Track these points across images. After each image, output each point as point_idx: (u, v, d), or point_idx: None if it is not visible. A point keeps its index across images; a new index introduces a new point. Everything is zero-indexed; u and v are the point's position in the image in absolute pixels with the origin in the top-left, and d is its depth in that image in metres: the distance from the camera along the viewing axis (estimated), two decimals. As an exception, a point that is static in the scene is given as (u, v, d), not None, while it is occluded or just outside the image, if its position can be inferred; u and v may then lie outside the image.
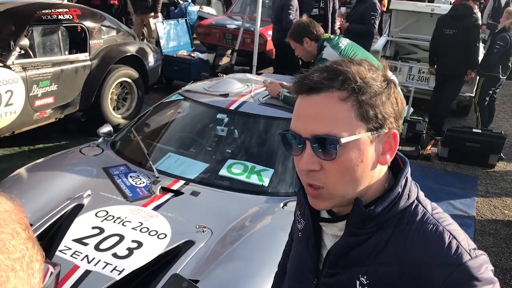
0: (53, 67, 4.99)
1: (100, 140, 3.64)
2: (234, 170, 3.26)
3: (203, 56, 7.54)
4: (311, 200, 1.02)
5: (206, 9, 11.21)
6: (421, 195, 1.05)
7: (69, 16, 5.19)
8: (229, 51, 7.48)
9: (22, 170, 3.25)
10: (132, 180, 3.15)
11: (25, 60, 4.74)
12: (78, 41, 5.39)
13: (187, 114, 3.85)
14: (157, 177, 3.15)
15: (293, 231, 1.36)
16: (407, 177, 1.03)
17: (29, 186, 3.06)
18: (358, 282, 1.01)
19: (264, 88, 3.86)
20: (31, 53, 4.82)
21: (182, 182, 3.14)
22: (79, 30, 5.40)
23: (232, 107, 3.58)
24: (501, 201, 5.07)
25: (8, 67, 4.55)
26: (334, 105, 0.93)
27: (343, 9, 7.18)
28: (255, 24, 6.98)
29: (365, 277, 1.00)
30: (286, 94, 3.61)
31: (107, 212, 2.80)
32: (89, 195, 2.94)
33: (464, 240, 0.97)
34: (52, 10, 5.06)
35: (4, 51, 4.65)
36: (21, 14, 4.95)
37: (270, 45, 8.20)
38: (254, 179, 3.19)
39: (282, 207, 2.96)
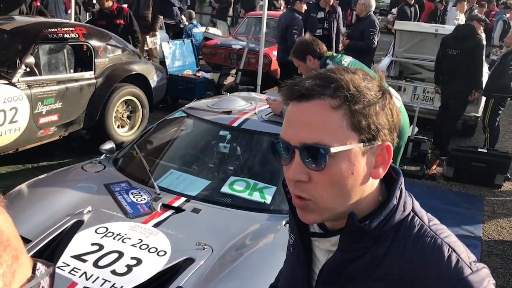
0: (58, 85, 5.02)
1: (102, 157, 3.63)
2: (236, 187, 3.23)
3: (208, 75, 7.59)
4: (299, 213, 0.98)
5: (212, 30, 11.32)
6: (417, 205, 1.01)
7: (75, 35, 5.24)
8: (233, 71, 7.52)
9: (23, 186, 3.24)
10: (133, 197, 3.13)
11: (30, 78, 4.77)
12: (83, 59, 5.44)
13: (190, 131, 3.85)
14: (159, 194, 3.13)
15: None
16: (401, 188, 0.99)
17: (29, 202, 3.05)
18: None
19: (268, 105, 3.85)
20: (36, 71, 4.86)
21: (183, 199, 3.12)
22: (84, 49, 5.45)
23: (235, 124, 3.57)
24: (508, 222, 4.99)
25: (13, 84, 4.58)
26: (325, 113, 0.89)
27: (343, 29, 7.25)
28: (259, 44, 7.02)
29: None
30: (289, 111, 3.59)
31: (107, 229, 2.77)
32: (90, 211, 2.92)
33: (464, 253, 0.93)
34: (58, 29, 5.11)
35: (10, 69, 4.68)
36: (28, 33, 5.01)
37: (275, 65, 8.24)
38: (256, 197, 3.16)
39: (284, 225, 2.92)
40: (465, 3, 11.63)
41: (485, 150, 5.80)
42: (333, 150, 0.88)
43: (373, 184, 0.97)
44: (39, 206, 2.97)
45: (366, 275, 0.95)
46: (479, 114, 6.86)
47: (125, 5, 7.72)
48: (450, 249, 0.92)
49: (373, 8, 6.78)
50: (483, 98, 6.58)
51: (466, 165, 5.71)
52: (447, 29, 7.16)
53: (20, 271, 0.56)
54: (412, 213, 0.98)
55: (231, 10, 13.86)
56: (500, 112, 6.39)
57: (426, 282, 0.90)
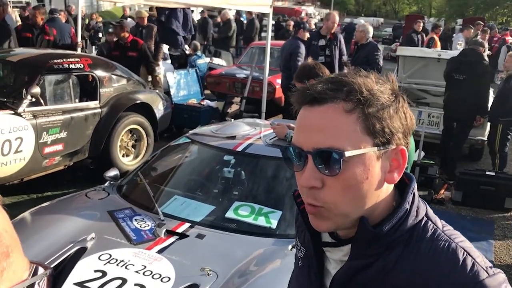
0: (63, 114, 5.05)
1: (106, 184, 3.62)
2: (241, 212, 3.20)
3: (213, 104, 7.63)
4: (312, 220, 0.95)
5: (216, 60, 11.45)
6: (430, 211, 0.98)
7: (80, 65, 5.30)
8: (238, 99, 7.56)
9: (26, 214, 3.22)
10: (137, 223, 3.10)
11: (35, 108, 4.81)
12: (89, 89, 5.49)
13: (194, 156, 3.84)
14: (162, 220, 3.10)
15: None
16: (414, 193, 0.97)
17: (33, 229, 3.03)
18: None
19: (272, 130, 3.85)
20: (42, 101, 4.90)
21: (187, 224, 3.08)
22: (90, 79, 5.51)
23: (239, 149, 3.56)
24: (520, 246, 4.88)
25: (19, 114, 4.62)
26: (338, 117, 0.87)
27: (344, 58, 7.32)
28: (263, 73, 7.08)
29: None
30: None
31: (110, 255, 2.73)
32: (93, 238, 2.88)
33: (479, 257, 0.90)
34: (64, 60, 5.18)
35: (16, 99, 4.72)
36: (34, 64, 5.07)
37: (279, 93, 8.28)
38: (261, 221, 3.12)
39: (291, 249, 2.86)
40: (472, 29, 11.82)
41: (493, 173, 5.73)
42: (347, 154, 0.86)
43: (388, 189, 0.95)
44: (42, 234, 2.95)
45: (378, 282, 0.92)
46: (485, 138, 6.81)
47: None
48: (465, 252, 0.89)
49: (371, 34, 6.87)
50: (489, 122, 6.54)
51: (474, 189, 5.63)
52: (450, 54, 7.20)
53: (10, 270, 0.53)
54: (425, 218, 0.95)
55: (232, 41, 14.00)
56: (509, 137, 6.33)
57: (440, 287, 0.86)
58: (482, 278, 0.85)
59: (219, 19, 15.00)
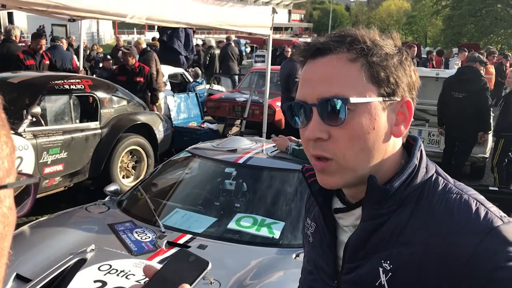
0: (64, 135, 5.05)
1: (106, 198, 3.58)
2: (243, 223, 3.16)
3: (213, 126, 7.65)
4: (319, 178, 0.93)
5: (216, 87, 11.54)
6: (440, 169, 0.96)
7: (81, 86, 5.33)
8: (238, 121, 7.58)
9: (25, 228, 3.17)
10: (138, 235, 3.05)
11: (36, 128, 4.81)
12: (89, 110, 5.50)
13: (195, 169, 3.82)
14: (163, 232, 3.05)
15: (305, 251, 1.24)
16: (421, 150, 0.96)
17: (31, 242, 2.98)
18: (381, 270, 0.90)
19: (273, 144, 3.84)
20: (42, 121, 4.90)
21: (189, 236, 3.04)
22: (90, 100, 5.53)
23: (241, 161, 3.54)
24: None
25: (19, 134, 4.61)
26: (342, 66, 0.87)
27: None
28: (263, 97, 7.12)
29: (388, 262, 0.89)
30: (295, 147, 3.57)
31: (111, 266, 2.68)
32: (93, 249, 2.84)
33: (493, 207, 0.88)
34: (65, 81, 5.21)
35: (17, 119, 4.73)
36: (35, 85, 5.10)
37: (279, 115, 8.31)
38: (264, 232, 3.07)
39: (294, 258, 2.81)
40: (466, 53, 12.01)
41: (496, 188, 5.68)
42: (352, 100, 0.85)
43: (395, 145, 0.93)
44: (41, 246, 2.90)
45: (392, 242, 0.89)
46: (487, 155, 6.80)
47: None
48: (478, 202, 0.87)
49: None
50: (490, 139, 6.53)
51: (478, 204, 5.56)
52: (448, 72, 7.25)
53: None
54: (435, 174, 0.94)
55: (214, 67, 13.89)
56: (510, 153, 6.32)
57: (455, 238, 0.84)
58: (497, 225, 0.83)
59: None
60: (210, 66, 13.11)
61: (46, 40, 8.65)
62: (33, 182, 0.55)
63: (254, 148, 3.79)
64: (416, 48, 12.47)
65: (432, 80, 7.51)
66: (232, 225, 3.13)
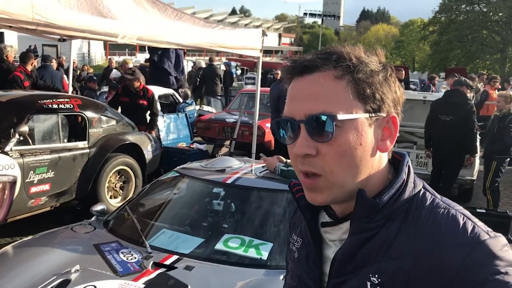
0: (51, 154, 5.00)
1: (93, 218, 3.54)
2: (231, 244, 3.13)
3: (202, 147, 7.64)
4: (308, 195, 0.94)
5: (206, 107, 11.56)
6: (427, 185, 0.98)
7: (70, 106, 5.31)
8: (228, 142, 7.58)
9: (8, 248, 3.12)
10: (124, 256, 3.01)
11: (23, 147, 4.76)
12: (77, 129, 5.47)
13: (183, 189, 3.79)
14: (150, 253, 3.01)
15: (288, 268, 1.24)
16: (409, 166, 0.98)
17: (14, 263, 2.93)
18: (369, 284, 0.90)
19: (262, 164, 3.83)
20: (30, 140, 4.86)
21: (175, 257, 3.00)
22: (79, 120, 5.50)
23: (229, 181, 3.52)
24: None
25: (6, 153, 4.56)
26: (329, 83, 0.88)
27: None
28: (253, 118, 7.15)
29: (376, 276, 0.89)
30: (283, 168, 3.57)
31: (95, 287, 2.63)
32: (77, 270, 2.78)
33: (479, 222, 0.89)
34: (53, 100, 5.19)
35: (3, 138, 4.68)
36: (23, 103, 5.07)
37: (268, 136, 8.33)
38: (252, 253, 3.04)
39: (282, 279, 2.78)
40: (455, 78, 12.20)
41: (483, 211, 5.71)
42: (339, 117, 0.86)
43: (381, 160, 0.94)
44: (24, 267, 2.85)
45: (380, 256, 0.90)
46: (474, 177, 6.85)
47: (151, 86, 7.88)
48: (465, 217, 0.89)
49: None
50: (477, 161, 6.59)
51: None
52: (435, 96, 7.34)
53: None
54: (423, 190, 0.95)
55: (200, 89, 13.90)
56: (501, 174, 6.41)
57: (442, 251, 0.84)
58: (484, 238, 0.84)
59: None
60: (200, 87, 13.16)
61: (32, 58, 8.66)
62: (8, 181, 0.54)
63: (242, 168, 3.78)
64: (403, 72, 12.65)
65: (420, 103, 7.60)
66: (219, 246, 3.10)
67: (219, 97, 12.60)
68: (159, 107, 9.81)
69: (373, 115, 0.90)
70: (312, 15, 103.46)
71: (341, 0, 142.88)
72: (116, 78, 10.46)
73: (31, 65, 7.30)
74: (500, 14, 40.15)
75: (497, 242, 0.85)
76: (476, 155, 6.42)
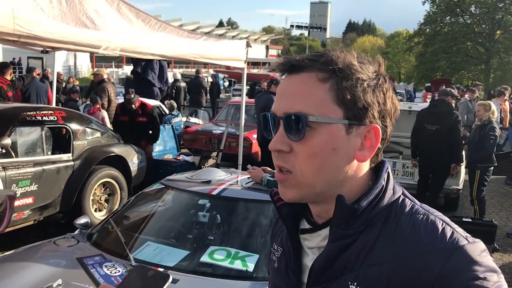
0: (35, 166, 4.94)
1: (76, 232, 3.48)
2: (217, 256, 3.09)
3: (189, 158, 7.60)
4: (280, 189, 0.95)
5: (193, 119, 11.54)
6: (407, 192, 0.97)
7: (54, 118, 5.26)
8: (214, 153, 7.56)
9: (-12, 262, 3.04)
10: (107, 269, 2.96)
11: (5, 160, 4.70)
12: (62, 141, 5.42)
13: (168, 201, 3.75)
14: (134, 266, 2.96)
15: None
16: (389, 172, 0.96)
17: (-6, 278, 2.85)
18: None
19: (248, 175, 3.81)
20: (12, 152, 4.79)
21: (160, 269, 2.95)
22: (63, 132, 5.45)
23: (214, 193, 3.50)
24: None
25: (-13, 166, 4.49)
26: (311, 84, 0.89)
27: None
28: (239, 129, 7.15)
29: (355, 283, 0.88)
30: (269, 178, 3.56)
31: (77, 302, 2.58)
32: (59, 285, 2.73)
33: (458, 228, 0.88)
34: (37, 112, 5.14)
35: (-15, 151, 4.62)
36: (6, 115, 5.01)
37: (255, 148, 8.32)
38: (237, 265, 3.01)
39: (268, 291, 2.75)
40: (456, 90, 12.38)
41: (469, 220, 5.73)
42: (311, 119, 0.87)
43: (359, 168, 0.93)
44: (5, 282, 2.79)
45: (359, 262, 0.88)
46: (460, 186, 6.89)
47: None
48: (444, 223, 0.88)
49: None
50: (463, 170, 6.64)
51: (452, 236, 5.60)
52: (420, 106, 7.40)
53: None
54: (402, 196, 0.94)
55: (180, 100, 13.94)
56: (486, 183, 6.44)
57: (421, 257, 0.83)
58: (462, 244, 0.84)
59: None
60: (176, 98, 13.19)
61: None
62: (8, 194, 0.52)
63: (228, 180, 3.76)
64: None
65: (405, 113, 7.65)
66: (205, 258, 3.06)
67: (203, 109, 12.62)
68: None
69: (353, 122, 0.89)
70: (299, 27, 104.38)
71: (327, 13, 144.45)
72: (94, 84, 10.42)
73: (10, 75, 7.26)
74: (483, 25, 40.79)
75: (475, 247, 0.84)
76: (462, 164, 6.46)
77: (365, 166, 0.95)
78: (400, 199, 0.93)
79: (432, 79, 23.83)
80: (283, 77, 0.95)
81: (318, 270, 0.93)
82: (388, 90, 0.93)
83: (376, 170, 0.98)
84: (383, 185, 0.93)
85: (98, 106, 8.16)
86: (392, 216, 0.90)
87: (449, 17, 42.66)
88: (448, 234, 0.85)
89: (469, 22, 41.77)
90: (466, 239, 0.85)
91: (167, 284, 0.80)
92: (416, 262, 0.84)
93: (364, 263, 0.88)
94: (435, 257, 0.83)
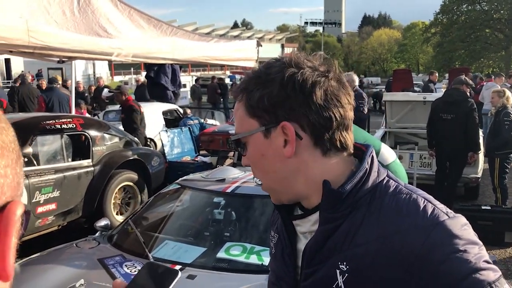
0: (56, 173, 5.09)
1: (97, 234, 3.60)
2: (233, 252, 3.17)
3: (207, 159, 7.70)
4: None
5: (210, 121, 11.65)
6: (391, 174, 1.01)
7: (73, 125, 5.40)
8: (231, 153, 7.63)
9: (15, 266, 3.16)
10: (127, 269, 3.06)
11: (28, 168, 4.85)
12: (81, 148, 5.56)
13: (185, 201, 3.85)
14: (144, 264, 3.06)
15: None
16: (373, 156, 1.01)
17: (21, 280, 2.98)
18: (338, 271, 0.94)
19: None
20: (34, 161, 4.95)
21: (178, 267, 3.03)
22: (82, 138, 5.60)
23: (229, 190, 3.57)
24: (525, 279, 4.76)
25: (11, 175, 4.64)
26: (238, 107, 1.01)
27: None
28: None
29: (344, 263, 0.93)
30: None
31: (99, 300, 2.68)
32: (82, 284, 2.84)
33: (440, 205, 0.92)
34: (56, 121, 5.29)
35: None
36: (26, 125, 5.17)
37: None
38: (253, 259, 3.08)
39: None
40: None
41: (489, 207, 5.69)
42: (238, 136, 1.01)
43: (303, 161, 0.96)
44: (30, 284, 2.90)
45: (347, 244, 0.94)
46: (479, 175, 6.83)
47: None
48: (426, 200, 0.92)
49: (357, 83, 7.05)
50: (481, 159, 6.58)
51: (471, 224, 5.51)
52: (434, 96, 7.35)
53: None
54: (387, 178, 0.99)
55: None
56: (507, 170, 6.38)
57: (403, 233, 0.88)
58: (442, 219, 0.87)
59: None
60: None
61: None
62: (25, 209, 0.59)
63: (242, 177, 3.83)
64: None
65: (420, 104, 7.61)
66: (221, 254, 3.14)
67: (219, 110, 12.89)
68: (163, 122, 9.91)
69: (269, 126, 0.97)
70: (313, 23, 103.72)
71: (342, 7, 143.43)
72: (108, 97, 10.57)
73: None
74: (501, 11, 40.05)
75: (456, 221, 0.88)
76: (479, 152, 6.40)
77: (333, 159, 0.97)
78: (385, 181, 0.97)
79: (450, 69, 23.47)
80: None
81: (310, 253, 0.99)
82: (300, 83, 0.93)
83: (360, 156, 1.03)
84: (366, 168, 0.97)
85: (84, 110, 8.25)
86: (376, 197, 0.94)
87: (465, 4, 42.02)
88: (429, 211, 0.89)
89: (486, 8, 41.05)
90: (447, 215, 0.89)
91: (176, 279, 0.87)
92: (399, 239, 0.88)
93: (351, 244, 0.93)
94: (417, 233, 0.87)
